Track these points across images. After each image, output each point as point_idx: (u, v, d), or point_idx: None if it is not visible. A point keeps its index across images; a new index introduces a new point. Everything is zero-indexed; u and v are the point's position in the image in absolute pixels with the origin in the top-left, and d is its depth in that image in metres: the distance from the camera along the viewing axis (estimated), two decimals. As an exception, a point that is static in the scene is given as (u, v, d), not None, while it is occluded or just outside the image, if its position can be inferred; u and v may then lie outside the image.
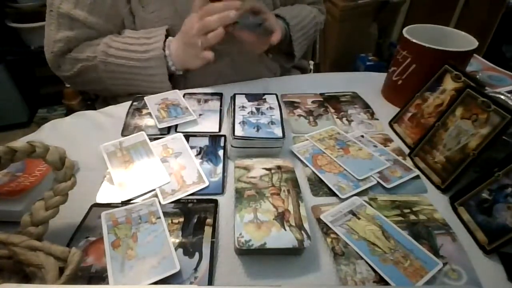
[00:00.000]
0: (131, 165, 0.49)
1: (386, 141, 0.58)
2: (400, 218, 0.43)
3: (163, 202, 0.44)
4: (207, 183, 0.47)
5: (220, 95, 0.67)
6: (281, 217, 0.39)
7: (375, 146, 0.55)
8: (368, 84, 0.74)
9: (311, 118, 0.62)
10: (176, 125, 0.58)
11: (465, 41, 0.62)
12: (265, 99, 0.59)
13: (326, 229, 0.41)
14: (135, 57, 0.64)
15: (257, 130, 0.51)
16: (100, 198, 0.45)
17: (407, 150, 0.56)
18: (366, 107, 0.67)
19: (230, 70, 0.72)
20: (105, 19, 0.65)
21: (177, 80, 0.69)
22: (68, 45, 0.65)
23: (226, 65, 0.71)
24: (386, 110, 0.66)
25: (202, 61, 0.63)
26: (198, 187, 0.46)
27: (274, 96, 0.60)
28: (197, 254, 0.38)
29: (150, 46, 0.63)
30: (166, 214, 0.42)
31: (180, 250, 0.38)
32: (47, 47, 0.67)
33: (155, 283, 0.34)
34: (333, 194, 0.46)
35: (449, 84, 0.55)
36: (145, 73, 0.65)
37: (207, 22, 0.57)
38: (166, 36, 0.65)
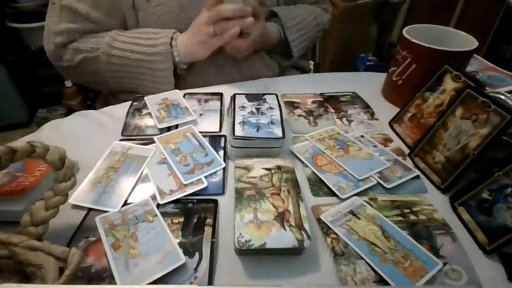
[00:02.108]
0: (114, 173, 0.48)
1: (386, 141, 0.58)
2: (400, 218, 0.43)
3: (161, 202, 0.44)
4: (205, 184, 0.47)
5: (220, 95, 0.67)
6: (281, 217, 0.39)
7: (375, 146, 0.55)
8: (368, 84, 0.74)
9: (311, 118, 0.62)
10: (176, 125, 0.58)
11: (465, 41, 0.62)
12: (265, 99, 0.59)
13: (326, 229, 0.41)
14: (140, 51, 0.64)
15: (257, 130, 0.51)
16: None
17: (407, 150, 0.56)
18: (366, 107, 0.67)
19: (230, 66, 0.72)
20: (107, 14, 0.65)
21: (178, 77, 0.69)
22: (70, 36, 0.65)
23: (227, 61, 0.71)
24: (386, 110, 0.66)
25: (210, 49, 0.63)
26: (196, 187, 0.46)
27: (274, 96, 0.60)
28: (197, 254, 0.38)
29: (158, 40, 0.64)
30: (166, 214, 0.42)
31: (180, 250, 0.38)
32: (47, 39, 0.67)
33: (162, 277, 0.35)
34: (333, 194, 0.46)
35: (449, 84, 0.55)
36: (149, 67, 0.65)
37: (220, 13, 0.59)
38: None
